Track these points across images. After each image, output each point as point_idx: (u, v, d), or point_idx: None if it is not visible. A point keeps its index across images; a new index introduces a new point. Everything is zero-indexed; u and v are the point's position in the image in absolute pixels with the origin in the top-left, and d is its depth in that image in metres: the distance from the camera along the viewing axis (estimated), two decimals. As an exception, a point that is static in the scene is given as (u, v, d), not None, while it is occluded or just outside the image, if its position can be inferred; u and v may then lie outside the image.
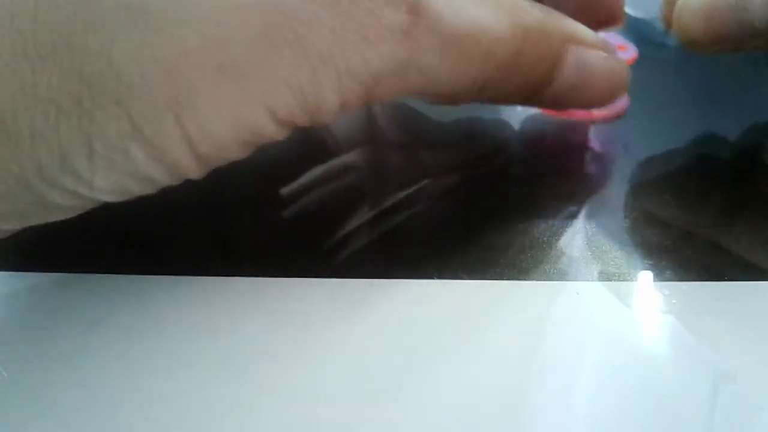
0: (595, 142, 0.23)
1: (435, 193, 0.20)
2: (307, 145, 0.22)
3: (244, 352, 0.15)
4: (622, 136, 0.23)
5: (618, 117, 0.23)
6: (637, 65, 0.24)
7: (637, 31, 0.30)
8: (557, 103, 0.19)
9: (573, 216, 0.19)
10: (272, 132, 0.14)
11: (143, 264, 0.17)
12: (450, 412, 0.13)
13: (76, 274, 0.17)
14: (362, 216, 0.19)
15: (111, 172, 0.13)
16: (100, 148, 0.13)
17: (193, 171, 0.14)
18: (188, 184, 0.15)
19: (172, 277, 0.17)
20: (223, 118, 0.13)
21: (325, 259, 0.17)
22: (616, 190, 0.20)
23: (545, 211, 0.19)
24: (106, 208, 0.15)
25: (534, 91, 0.18)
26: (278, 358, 0.15)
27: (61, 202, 0.14)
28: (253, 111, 0.13)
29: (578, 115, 0.23)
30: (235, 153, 0.14)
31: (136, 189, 0.14)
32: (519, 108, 0.24)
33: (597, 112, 0.23)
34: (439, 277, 0.17)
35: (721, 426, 0.13)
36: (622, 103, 0.23)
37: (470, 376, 0.14)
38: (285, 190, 0.20)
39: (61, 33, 0.12)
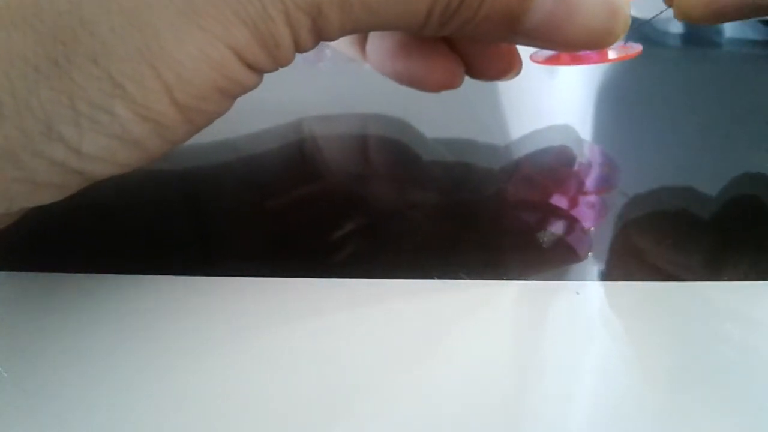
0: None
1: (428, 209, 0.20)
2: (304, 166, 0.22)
3: (245, 351, 0.15)
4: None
5: (630, 57, 0.20)
6: (636, 65, 0.24)
7: (637, 32, 0.30)
8: (539, 38, 0.16)
9: (572, 216, 0.19)
10: (244, 77, 0.14)
11: (143, 264, 0.17)
12: (450, 411, 0.13)
13: (76, 274, 0.17)
14: (363, 217, 0.19)
15: (98, 135, 0.13)
16: (84, 108, 0.13)
17: (180, 127, 0.14)
18: (189, 185, 0.15)
19: (172, 277, 0.17)
20: (195, 63, 0.13)
21: (326, 260, 0.17)
22: (617, 188, 0.20)
23: (543, 212, 0.19)
24: (106, 208, 0.15)
25: (507, 22, 0.16)
26: (278, 357, 0.15)
27: (50, 178, 0.14)
28: (220, 52, 0.14)
29: (588, 59, 0.20)
30: (217, 103, 0.14)
31: (126, 156, 0.14)
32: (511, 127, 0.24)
33: (611, 54, 0.20)
34: (439, 277, 0.17)
35: (721, 426, 0.13)
36: (635, 47, 0.20)
37: (470, 375, 0.14)
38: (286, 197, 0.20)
39: None
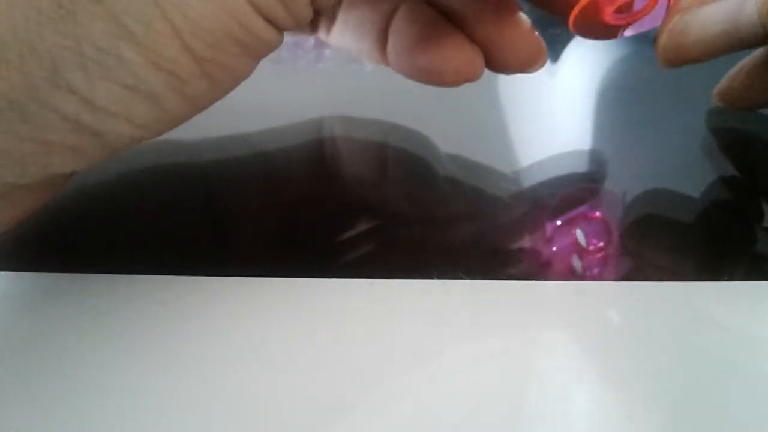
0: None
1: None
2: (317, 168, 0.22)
3: (245, 351, 0.15)
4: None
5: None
6: (635, 64, 0.24)
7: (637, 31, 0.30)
8: None
9: (571, 216, 0.19)
10: (260, 28, 0.13)
11: (144, 264, 0.17)
12: (450, 411, 0.13)
13: (76, 274, 0.17)
14: (362, 218, 0.19)
15: (109, 82, 0.12)
16: (91, 52, 0.12)
17: (197, 82, 0.13)
18: (188, 185, 0.15)
19: (172, 277, 0.17)
20: (203, 4, 0.12)
21: (326, 260, 0.17)
22: (617, 188, 0.20)
23: (543, 212, 0.19)
24: (106, 207, 0.15)
25: None
26: (278, 357, 0.15)
27: (62, 138, 0.13)
28: (238, 5, 0.13)
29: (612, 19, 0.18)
30: (236, 57, 0.14)
31: (142, 112, 0.13)
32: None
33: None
34: (439, 277, 0.17)
35: (721, 426, 0.13)
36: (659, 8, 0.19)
37: (470, 375, 0.14)
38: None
39: None
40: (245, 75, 0.14)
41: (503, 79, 0.23)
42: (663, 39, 0.19)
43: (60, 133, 0.13)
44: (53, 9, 0.12)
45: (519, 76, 0.20)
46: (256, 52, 0.14)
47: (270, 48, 0.14)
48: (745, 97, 0.22)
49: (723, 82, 0.22)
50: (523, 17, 0.19)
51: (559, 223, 0.19)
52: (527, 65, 0.19)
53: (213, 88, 0.14)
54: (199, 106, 0.14)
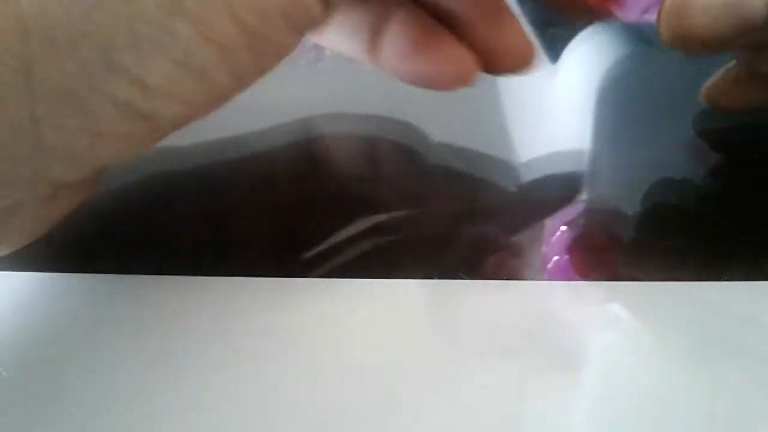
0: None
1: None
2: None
3: (245, 351, 0.15)
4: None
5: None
6: (635, 64, 0.24)
7: (637, 31, 0.30)
8: None
9: (571, 216, 0.19)
10: (311, 3, 0.13)
11: (143, 264, 0.17)
12: (450, 411, 0.13)
13: (76, 274, 0.17)
14: (362, 218, 0.19)
15: (161, 59, 0.12)
16: (143, 29, 0.12)
17: (245, 56, 0.13)
18: (188, 185, 0.15)
19: (172, 277, 0.17)
20: None
21: (326, 260, 0.17)
22: (617, 188, 0.20)
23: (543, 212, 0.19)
24: (106, 207, 0.15)
25: None
26: (278, 357, 0.15)
27: (114, 126, 0.13)
28: None
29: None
30: (283, 33, 0.13)
31: (193, 89, 0.13)
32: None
33: None
34: (439, 277, 0.17)
35: (721, 426, 0.13)
36: None
37: (470, 375, 0.14)
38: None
39: None
40: (288, 51, 0.14)
41: (503, 79, 0.23)
42: (663, 14, 0.19)
43: (112, 121, 0.13)
44: None
45: (518, 76, 0.20)
46: (301, 25, 0.14)
47: (314, 22, 0.14)
48: (731, 99, 0.22)
49: (709, 84, 0.22)
50: (515, 18, 0.19)
51: (558, 223, 0.19)
52: (520, 66, 0.20)
53: (259, 64, 0.14)
54: (244, 83, 0.14)
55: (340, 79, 0.28)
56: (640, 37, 0.26)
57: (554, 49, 0.29)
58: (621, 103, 0.26)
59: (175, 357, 0.15)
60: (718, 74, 0.22)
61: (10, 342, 0.15)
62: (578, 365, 0.14)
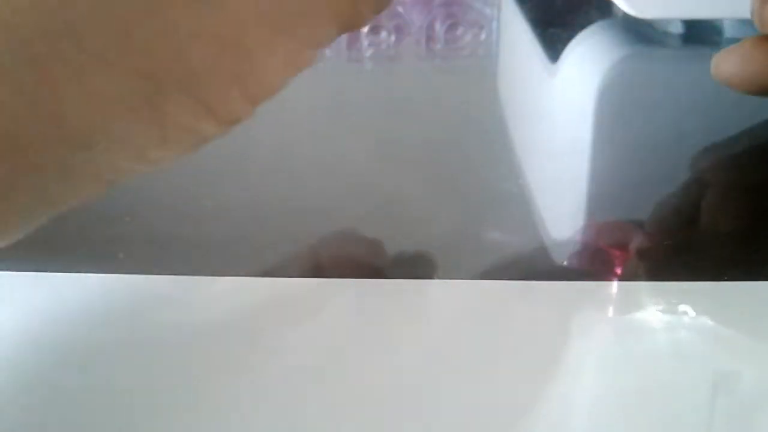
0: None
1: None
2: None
3: (244, 351, 0.15)
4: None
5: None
6: (635, 64, 0.24)
7: (637, 31, 0.30)
8: None
9: (571, 215, 0.19)
10: (312, 61, 0.14)
11: (143, 264, 0.17)
12: (450, 410, 0.13)
13: (76, 274, 0.17)
14: (363, 217, 0.19)
15: (179, 149, 0.13)
16: (172, 132, 0.13)
17: (248, 116, 0.14)
18: (189, 185, 0.15)
19: (172, 277, 0.17)
20: (279, 69, 0.13)
21: (326, 260, 0.17)
22: (618, 188, 0.20)
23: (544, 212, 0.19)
24: (106, 207, 0.15)
25: None
26: (278, 357, 0.15)
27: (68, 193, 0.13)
28: (305, 55, 0.14)
29: None
30: (281, 88, 0.14)
31: (195, 150, 0.14)
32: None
33: None
34: (439, 277, 0.17)
35: (721, 426, 0.13)
36: None
37: (470, 375, 0.14)
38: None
39: (118, 27, 0.12)
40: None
41: (503, 79, 0.23)
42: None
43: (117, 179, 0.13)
44: (142, 105, 0.12)
45: (518, 76, 0.20)
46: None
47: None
48: (737, 76, 0.22)
49: (715, 58, 0.22)
50: None
51: (558, 223, 0.19)
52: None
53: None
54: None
55: (339, 79, 0.28)
56: (640, 37, 0.26)
57: (554, 49, 0.29)
58: (621, 103, 0.26)
59: (175, 357, 0.15)
60: (725, 50, 0.22)
61: (10, 342, 0.15)
62: (578, 365, 0.14)
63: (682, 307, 0.16)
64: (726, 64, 0.22)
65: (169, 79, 0.12)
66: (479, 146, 0.23)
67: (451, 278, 0.17)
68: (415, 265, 0.17)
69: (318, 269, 0.18)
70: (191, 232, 0.19)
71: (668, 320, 0.15)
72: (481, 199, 0.20)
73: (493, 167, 0.22)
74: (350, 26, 0.14)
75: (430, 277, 0.17)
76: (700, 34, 0.31)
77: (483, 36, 0.33)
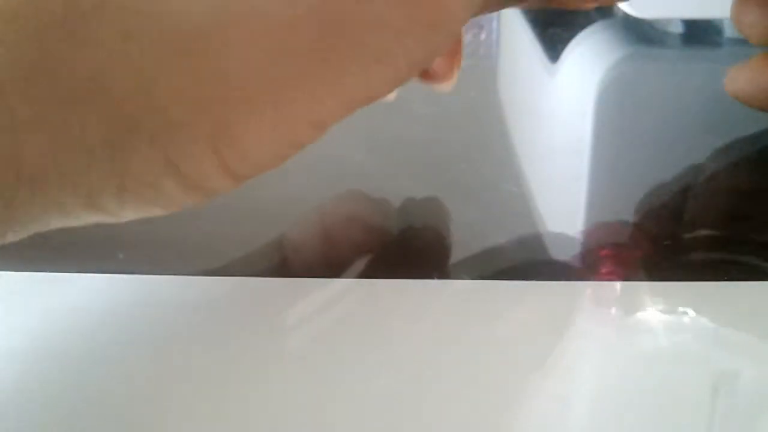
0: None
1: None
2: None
3: (245, 351, 0.15)
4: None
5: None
6: (635, 64, 0.24)
7: (637, 31, 0.30)
8: None
9: (572, 215, 0.19)
10: (312, 138, 0.13)
11: (143, 264, 0.17)
12: (450, 411, 0.13)
13: (76, 274, 0.17)
14: (363, 217, 0.19)
15: (140, 204, 0.12)
16: (131, 185, 0.12)
17: (228, 190, 0.13)
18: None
19: (172, 277, 0.17)
20: (263, 141, 0.12)
21: (326, 260, 0.17)
22: (617, 188, 0.20)
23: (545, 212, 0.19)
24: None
25: None
26: (277, 357, 0.15)
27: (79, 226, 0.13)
28: (297, 128, 0.13)
29: None
30: (273, 166, 0.13)
31: (163, 213, 0.13)
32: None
33: None
34: (439, 277, 0.17)
35: (721, 426, 0.13)
36: None
37: (470, 375, 0.14)
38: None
39: (96, 75, 0.11)
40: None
41: (503, 79, 0.23)
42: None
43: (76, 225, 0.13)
44: (104, 150, 0.11)
45: (518, 76, 0.20)
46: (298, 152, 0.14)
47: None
48: (750, 93, 0.21)
49: (730, 73, 0.22)
50: None
51: (558, 223, 0.19)
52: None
53: (239, 186, 0.13)
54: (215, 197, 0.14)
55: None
56: (640, 37, 0.26)
57: (554, 49, 0.29)
58: (621, 103, 0.26)
59: (176, 357, 0.15)
60: (739, 65, 0.22)
61: (10, 342, 0.15)
62: (579, 365, 0.14)
63: (682, 307, 0.16)
64: (738, 81, 0.21)
65: (138, 128, 0.11)
66: (479, 146, 0.23)
67: (451, 278, 0.17)
68: (424, 215, 0.17)
69: (324, 231, 0.17)
70: (191, 232, 0.19)
71: (668, 320, 0.15)
72: (481, 199, 0.20)
73: (493, 167, 0.22)
74: (364, 103, 0.13)
75: (430, 277, 0.17)
76: (700, 34, 0.31)
77: (483, 36, 0.33)
